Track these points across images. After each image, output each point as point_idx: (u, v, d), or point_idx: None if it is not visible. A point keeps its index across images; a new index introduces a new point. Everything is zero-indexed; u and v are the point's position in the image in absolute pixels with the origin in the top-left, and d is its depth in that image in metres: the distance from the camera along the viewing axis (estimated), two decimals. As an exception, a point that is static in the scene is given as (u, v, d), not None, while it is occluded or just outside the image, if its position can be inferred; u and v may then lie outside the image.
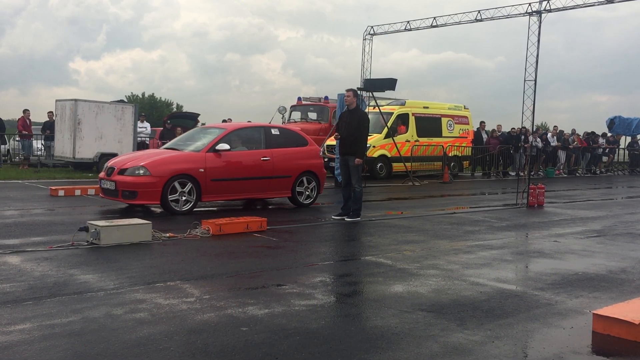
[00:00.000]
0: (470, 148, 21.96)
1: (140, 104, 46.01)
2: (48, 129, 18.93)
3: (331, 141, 16.89)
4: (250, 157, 10.29)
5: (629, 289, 5.50)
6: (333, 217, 9.60)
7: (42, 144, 20.02)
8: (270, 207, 11.09)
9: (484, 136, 22.48)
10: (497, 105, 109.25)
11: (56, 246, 6.52)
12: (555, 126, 26.27)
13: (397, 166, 18.87)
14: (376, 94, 17.21)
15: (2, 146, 19.97)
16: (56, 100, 17.72)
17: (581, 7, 14.20)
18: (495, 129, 23.26)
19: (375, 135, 17.90)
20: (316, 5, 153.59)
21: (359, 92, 12.13)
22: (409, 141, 19.50)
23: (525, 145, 19.95)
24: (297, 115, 21.10)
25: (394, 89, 16.15)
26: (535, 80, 12.56)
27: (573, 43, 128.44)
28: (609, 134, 28.36)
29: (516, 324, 4.34)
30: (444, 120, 21.14)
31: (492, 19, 16.37)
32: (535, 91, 12.59)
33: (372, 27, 18.95)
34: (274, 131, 10.88)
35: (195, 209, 9.68)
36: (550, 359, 3.69)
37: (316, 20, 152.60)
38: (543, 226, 9.58)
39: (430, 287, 5.34)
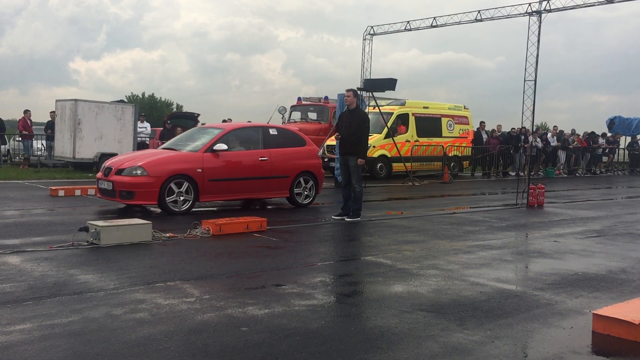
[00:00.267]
0: (470, 148, 21.97)
1: (140, 104, 46.02)
2: (50, 129, 18.94)
3: (331, 141, 16.90)
4: (248, 157, 10.29)
5: (628, 289, 5.50)
6: (333, 217, 9.61)
7: (42, 144, 20.03)
8: (269, 207, 11.09)
9: (484, 136, 22.49)
10: (497, 105, 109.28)
11: (56, 246, 6.53)
12: (555, 126, 26.29)
13: (397, 166, 18.87)
14: (376, 94, 17.21)
15: (2, 146, 19.98)
16: (56, 101, 17.73)
17: (581, 7, 14.21)
18: (495, 129, 23.28)
19: (375, 135, 17.90)
20: (316, 5, 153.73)
21: (359, 92, 12.14)
22: (409, 141, 19.50)
23: (525, 145, 19.95)
24: (297, 115, 21.09)
25: (394, 89, 16.15)
26: (535, 80, 12.57)
27: (573, 43, 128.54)
28: (609, 134, 28.36)
29: (516, 324, 4.34)
30: (444, 121, 21.15)
31: (492, 19, 16.37)
32: (535, 91, 12.60)
33: (372, 27, 18.96)
34: (272, 131, 10.87)
35: (194, 209, 9.68)
36: (550, 359, 3.69)
37: (316, 20, 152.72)
38: (543, 226, 9.59)
39: (430, 287, 5.34)
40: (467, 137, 21.89)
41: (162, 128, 21.50)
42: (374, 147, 17.96)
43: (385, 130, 18.56)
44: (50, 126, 19.11)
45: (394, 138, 18.61)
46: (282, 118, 20.49)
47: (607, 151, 27.96)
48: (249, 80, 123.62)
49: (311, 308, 4.59)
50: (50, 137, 18.87)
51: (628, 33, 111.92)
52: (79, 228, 6.86)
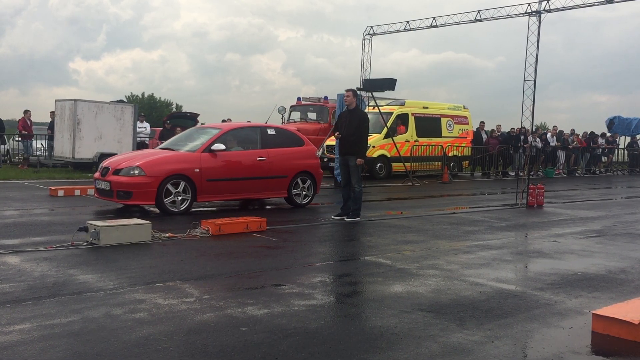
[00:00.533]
0: (469, 148, 21.97)
1: (140, 104, 46.01)
2: (51, 129, 18.94)
3: (331, 141, 16.90)
4: (246, 157, 10.28)
5: (628, 289, 5.50)
6: (332, 217, 9.61)
7: (42, 144, 20.02)
8: (268, 207, 11.09)
9: (484, 136, 22.49)
10: (497, 105, 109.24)
11: (56, 246, 6.52)
12: (554, 126, 26.32)
13: (397, 166, 18.87)
14: (376, 94, 17.21)
15: (2, 146, 19.97)
16: (56, 100, 17.73)
17: (581, 7, 14.23)
18: (495, 129, 23.29)
19: (374, 135, 17.90)
20: (316, 5, 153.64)
21: (358, 92, 12.14)
22: (408, 141, 19.50)
23: (525, 145, 19.95)
24: (296, 115, 21.09)
25: (393, 89, 16.16)
26: (535, 80, 12.57)
27: (573, 43, 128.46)
28: (608, 134, 28.38)
29: (515, 324, 4.34)
30: (444, 121, 21.15)
31: (491, 19, 16.38)
32: (534, 91, 12.60)
33: (371, 27, 18.96)
34: (270, 131, 10.86)
35: (193, 209, 9.68)
36: (549, 359, 3.69)
37: (316, 20, 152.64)
38: (542, 226, 9.59)
39: (429, 287, 5.34)
40: (466, 137, 21.90)
41: (161, 128, 21.50)
42: (373, 147, 17.96)
43: (385, 130, 18.56)
44: (52, 126, 19.11)
45: (394, 138, 18.62)
46: (282, 118, 20.50)
47: (606, 151, 27.97)
48: (249, 80, 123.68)
49: (311, 308, 4.59)
50: (51, 137, 18.86)
51: (628, 33, 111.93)
52: (78, 228, 6.86)
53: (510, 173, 22.48)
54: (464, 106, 22.43)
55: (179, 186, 9.35)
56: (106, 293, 4.82)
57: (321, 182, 11.48)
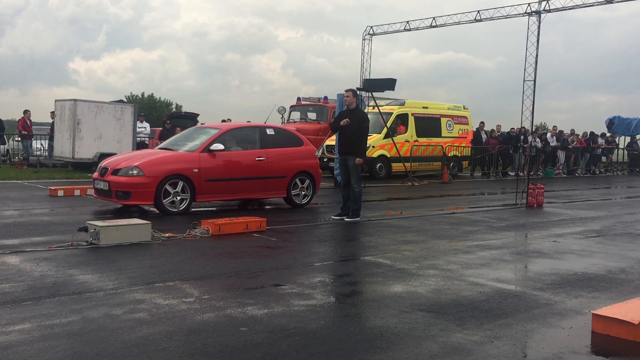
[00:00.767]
0: (469, 148, 21.98)
1: (140, 104, 46.01)
2: (52, 129, 18.94)
3: (331, 141, 16.89)
4: (245, 157, 10.27)
5: (628, 289, 5.50)
6: (332, 217, 9.61)
7: (42, 144, 20.01)
8: (268, 207, 11.09)
9: (484, 136, 22.50)
10: (496, 105, 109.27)
11: (55, 246, 6.52)
12: (554, 126, 26.34)
13: (397, 166, 18.87)
14: (375, 94, 17.21)
15: (2, 146, 19.97)
16: (55, 101, 17.72)
17: (581, 7, 14.22)
18: (495, 129, 23.29)
19: (374, 135, 17.91)
20: (316, 5, 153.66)
21: (358, 92, 12.13)
22: (408, 141, 19.50)
23: (525, 145, 19.96)
24: (296, 115, 21.08)
25: (393, 89, 16.15)
26: (535, 81, 12.57)
27: (573, 43, 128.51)
28: (608, 134, 28.38)
29: (515, 324, 4.34)
30: (444, 121, 21.15)
31: (491, 19, 16.38)
32: (534, 91, 12.60)
33: (371, 27, 18.96)
34: (269, 131, 10.86)
35: (192, 209, 9.67)
36: (549, 359, 3.69)
37: (316, 20, 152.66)
38: (542, 226, 9.59)
39: (429, 287, 5.34)
40: (466, 137, 21.90)
41: (161, 128, 21.49)
42: (373, 147, 17.97)
43: (385, 130, 18.56)
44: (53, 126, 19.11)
45: (394, 138, 18.62)
46: (282, 118, 20.50)
47: (605, 151, 27.96)
48: (248, 80, 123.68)
49: (310, 308, 4.59)
50: (51, 137, 18.85)
51: (628, 33, 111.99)
52: (78, 228, 6.86)
53: (510, 173, 22.48)
54: (463, 106, 22.43)
55: (178, 186, 9.35)
56: (106, 293, 4.82)
57: (320, 182, 11.48)
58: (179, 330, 3.96)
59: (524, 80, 12.65)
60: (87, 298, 4.66)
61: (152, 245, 6.84)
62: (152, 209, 9.70)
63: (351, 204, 9.43)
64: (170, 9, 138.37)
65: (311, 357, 3.58)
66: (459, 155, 21.41)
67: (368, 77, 17.87)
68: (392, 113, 19.39)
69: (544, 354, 3.77)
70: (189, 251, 6.59)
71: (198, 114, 23.88)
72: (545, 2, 13.72)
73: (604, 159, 28.23)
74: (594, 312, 4.27)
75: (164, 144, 11.28)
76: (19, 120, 19.67)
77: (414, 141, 19.66)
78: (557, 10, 13.91)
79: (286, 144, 10.89)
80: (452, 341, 3.92)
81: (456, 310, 4.62)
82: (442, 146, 19.99)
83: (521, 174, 15.85)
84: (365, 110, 14.56)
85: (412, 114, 20.07)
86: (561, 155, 24.94)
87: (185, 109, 54.50)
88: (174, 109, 59.12)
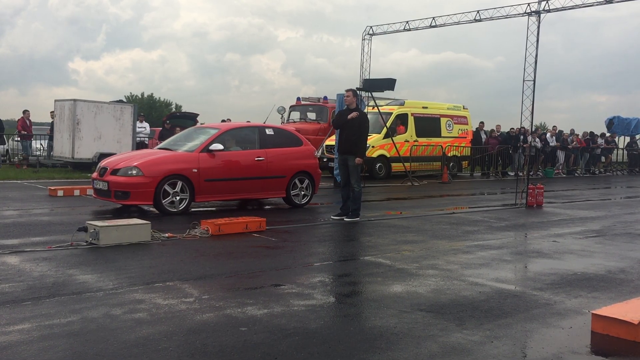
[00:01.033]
0: (469, 148, 21.98)
1: (140, 104, 46.01)
2: (52, 129, 18.93)
3: (330, 141, 16.89)
4: (244, 157, 10.27)
5: (627, 289, 5.50)
6: (332, 217, 9.61)
7: (42, 144, 20.01)
8: (267, 207, 11.09)
9: (483, 136, 22.50)
10: (496, 105, 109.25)
11: (55, 246, 6.52)
12: (554, 126, 26.34)
13: (396, 166, 18.87)
14: (375, 94, 17.22)
15: (1, 146, 19.96)
16: (55, 101, 17.71)
17: (580, 7, 14.24)
18: (494, 129, 23.30)
19: (374, 135, 17.90)
20: (316, 5, 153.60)
21: (358, 92, 12.13)
22: (408, 141, 19.50)
23: (524, 145, 19.96)
24: (296, 115, 21.09)
25: (393, 89, 16.17)
26: (535, 81, 12.58)
27: (572, 43, 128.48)
28: (607, 134, 28.40)
29: (515, 324, 4.34)
30: (443, 121, 21.15)
31: (491, 19, 16.40)
32: (534, 91, 12.61)
33: (371, 27, 18.98)
34: (269, 131, 10.85)
35: (192, 209, 9.67)
36: (549, 359, 3.69)
37: (316, 20, 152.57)
38: (542, 226, 9.59)
39: (429, 287, 5.34)
40: (466, 137, 21.91)
41: (161, 128, 21.49)
42: (373, 147, 17.97)
43: (385, 130, 18.56)
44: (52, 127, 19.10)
45: (393, 138, 18.62)
46: (282, 118, 20.49)
47: (604, 151, 27.97)
48: (248, 81, 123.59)
49: (310, 308, 4.59)
50: (50, 137, 18.85)
51: (627, 33, 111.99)
52: (77, 228, 6.86)
53: (509, 173, 22.48)
54: (463, 106, 22.43)
55: (177, 186, 9.34)
56: (105, 293, 4.82)
57: (319, 182, 11.48)
58: (178, 330, 3.96)
59: (524, 80, 12.66)
60: (86, 298, 4.66)
61: (151, 245, 6.84)
62: (151, 209, 9.70)
63: (351, 204, 9.43)
64: (170, 9, 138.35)
65: (311, 357, 3.58)
66: (459, 155, 21.41)
67: (368, 77, 17.88)
68: (391, 113, 19.39)
69: (543, 354, 3.77)
70: (188, 251, 6.59)
71: (198, 114, 23.89)
72: (545, 2, 13.73)
73: (603, 159, 28.25)
74: (594, 312, 4.27)
75: (163, 143, 11.28)
76: (19, 120, 19.66)
77: (414, 141, 19.66)
78: (557, 10, 13.93)
79: (285, 144, 10.88)
80: (451, 341, 3.92)
81: (456, 310, 4.62)
82: (441, 146, 19.99)
83: (521, 174, 15.85)
84: (365, 111, 14.56)
85: (412, 114, 20.07)
86: (561, 155, 24.95)
87: (185, 109, 54.67)
88: (173, 109, 59.12)
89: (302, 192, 10.93)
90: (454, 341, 3.92)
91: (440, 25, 17.59)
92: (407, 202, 13.27)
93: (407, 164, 18.37)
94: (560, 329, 4.28)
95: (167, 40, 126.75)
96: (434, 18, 17.60)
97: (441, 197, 14.40)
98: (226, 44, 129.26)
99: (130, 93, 66.72)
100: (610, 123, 29.26)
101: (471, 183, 19.67)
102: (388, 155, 18.82)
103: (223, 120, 20.11)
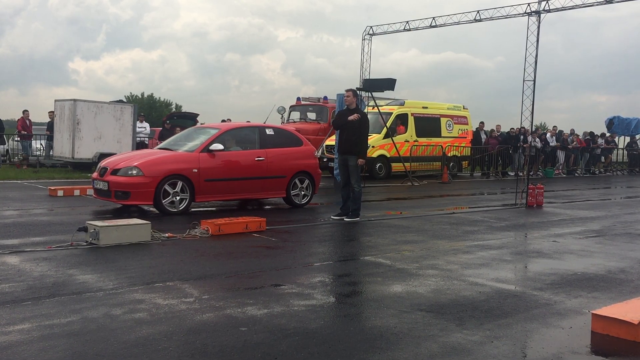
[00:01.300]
0: (469, 148, 21.98)
1: (140, 104, 46.00)
2: (50, 129, 18.92)
3: (330, 141, 16.89)
4: (245, 157, 10.27)
5: (627, 289, 5.50)
6: (332, 217, 9.60)
7: (41, 144, 20.01)
8: (267, 207, 11.09)
9: (483, 136, 22.50)
10: (496, 105, 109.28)
11: (55, 246, 6.52)
12: (554, 126, 26.35)
13: (396, 166, 18.88)
14: (375, 94, 17.22)
15: (1, 146, 19.96)
16: (55, 101, 17.72)
17: (580, 7, 14.26)
18: (495, 129, 23.30)
19: (374, 135, 17.90)
20: (316, 5, 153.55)
21: (358, 92, 12.13)
22: (408, 141, 19.51)
23: (525, 145, 19.96)
24: (296, 115, 21.06)
25: (393, 89, 16.17)
26: (535, 81, 12.58)
27: (572, 43, 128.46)
28: (607, 134, 28.40)
29: (515, 324, 4.34)
30: (443, 121, 21.16)
31: (491, 19, 16.40)
32: (534, 91, 12.61)
33: (371, 27, 18.99)
34: (269, 131, 10.85)
35: (192, 209, 9.67)
36: (549, 359, 3.69)
37: (316, 21, 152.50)
38: (542, 226, 9.59)
39: (429, 287, 5.34)
40: (466, 137, 21.91)
41: (161, 128, 21.49)
42: (373, 147, 17.97)
43: (385, 130, 18.56)
44: (51, 126, 19.09)
45: (393, 138, 18.62)
46: (282, 118, 20.48)
47: (604, 151, 27.97)
48: (248, 81, 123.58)
49: (310, 308, 4.59)
50: (50, 137, 18.85)
51: (627, 33, 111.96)
52: (77, 228, 6.86)
53: (509, 173, 22.49)
54: (463, 106, 22.44)
55: (177, 186, 9.34)
56: (106, 293, 4.82)
57: (320, 182, 11.48)
58: (178, 330, 3.96)
59: (524, 80, 12.66)
60: (86, 298, 4.66)
61: (151, 245, 6.84)
62: (151, 209, 9.70)
63: (351, 204, 9.43)
64: (170, 9, 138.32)
65: (311, 357, 3.58)
66: (459, 155, 21.41)
67: (368, 77, 17.88)
68: (391, 113, 19.39)
69: (543, 354, 3.77)
70: (188, 251, 6.59)
71: (198, 114, 23.90)
72: (545, 2, 13.74)
73: (603, 159, 28.25)
74: (594, 312, 4.27)
75: (163, 143, 11.28)
76: (19, 120, 19.66)
77: (414, 141, 19.67)
78: (557, 10, 13.94)
79: (286, 144, 10.88)
80: (451, 341, 3.92)
81: (456, 310, 4.62)
82: (441, 146, 20.00)
83: (521, 174, 15.85)
84: (365, 111, 14.57)
85: (412, 114, 20.08)
86: (561, 155, 24.95)
87: (185, 109, 54.72)
88: (173, 109, 59.14)
89: (302, 192, 10.93)
90: (454, 341, 3.92)
91: (440, 25, 17.60)
92: (407, 202, 13.27)
93: (407, 164, 18.37)
94: (560, 329, 4.28)
95: (167, 40, 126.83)
96: (434, 18, 17.61)
97: (441, 197, 14.40)
98: (226, 44, 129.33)
99: (130, 93, 66.80)
100: (610, 123, 29.27)
101: (471, 183, 19.67)
102: (388, 155, 18.82)
103: (223, 120, 20.11)
